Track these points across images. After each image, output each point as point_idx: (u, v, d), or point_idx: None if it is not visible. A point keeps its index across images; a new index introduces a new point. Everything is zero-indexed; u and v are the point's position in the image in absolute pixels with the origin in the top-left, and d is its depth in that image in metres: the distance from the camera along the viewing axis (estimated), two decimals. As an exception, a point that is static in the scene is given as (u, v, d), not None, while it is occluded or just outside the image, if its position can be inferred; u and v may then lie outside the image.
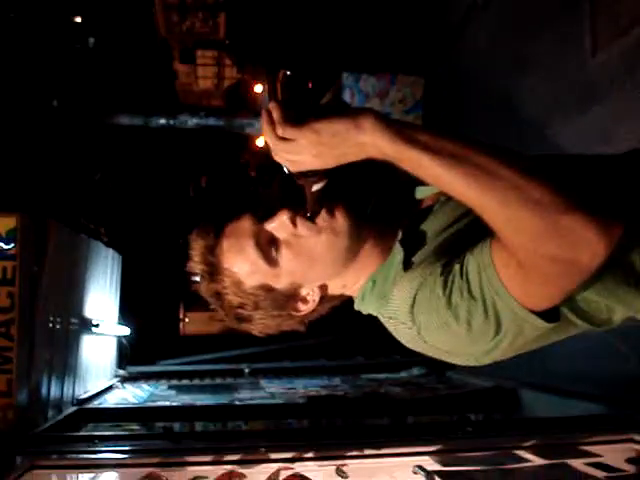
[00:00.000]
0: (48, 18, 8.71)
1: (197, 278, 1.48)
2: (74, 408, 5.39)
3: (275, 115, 1.19)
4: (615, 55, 4.70)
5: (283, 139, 1.19)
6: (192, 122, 8.07)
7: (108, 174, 10.29)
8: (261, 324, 1.50)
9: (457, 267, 1.23)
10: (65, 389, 5.37)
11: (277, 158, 1.24)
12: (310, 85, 1.19)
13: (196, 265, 1.47)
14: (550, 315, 1.19)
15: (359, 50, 8.01)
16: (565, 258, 1.04)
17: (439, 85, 7.83)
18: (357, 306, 1.52)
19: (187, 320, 15.72)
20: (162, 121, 8.11)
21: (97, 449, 3.79)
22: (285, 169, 1.26)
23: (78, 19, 9.83)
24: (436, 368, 6.80)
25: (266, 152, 1.24)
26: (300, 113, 1.17)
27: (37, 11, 8.30)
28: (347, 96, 7.62)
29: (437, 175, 1.11)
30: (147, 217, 10.75)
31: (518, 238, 1.08)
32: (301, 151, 1.19)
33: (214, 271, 1.45)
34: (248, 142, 10.27)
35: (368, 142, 1.14)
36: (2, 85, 7.47)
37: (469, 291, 1.21)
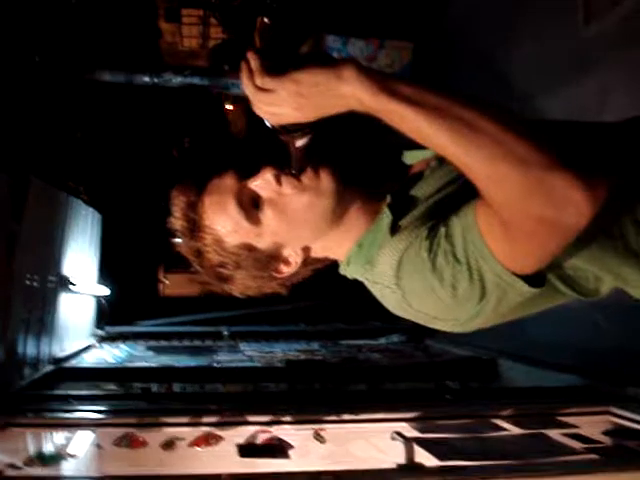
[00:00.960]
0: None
1: (178, 236, 1.44)
2: (51, 367, 5.35)
3: (253, 65, 1.14)
4: (609, 25, 4.66)
5: (262, 90, 1.14)
6: (176, 80, 7.94)
7: (89, 132, 10.17)
8: (242, 284, 1.47)
9: (442, 230, 1.21)
10: (42, 348, 5.32)
11: (257, 110, 1.19)
12: (289, 33, 1.14)
13: (177, 221, 1.43)
14: (535, 280, 1.17)
15: (348, 14, 7.91)
16: (549, 217, 1.02)
17: (428, 51, 7.77)
18: (342, 270, 1.49)
19: (167, 281, 15.70)
20: (145, 79, 7.97)
21: (73, 408, 3.78)
22: (267, 123, 1.21)
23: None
24: (415, 336, 6.82)
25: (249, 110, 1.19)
26: (280, 62, 1.12)
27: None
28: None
29: (419, 128, 1.08)
30: (129, 177, 10.65)
31: (501, 196, 1.05)
32: (281, 102, 1.15)
33: (195, 228, 1.42)
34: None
35: (349, 93, 1.10)
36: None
37: (454, 254, 1.18)
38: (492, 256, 1.14)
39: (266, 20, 1.14)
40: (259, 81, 1.14)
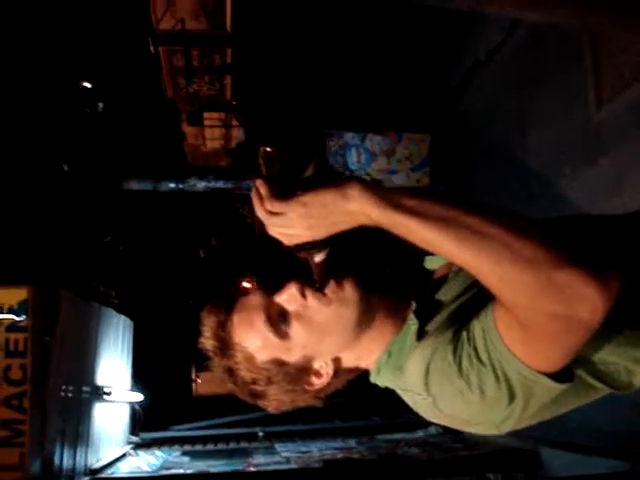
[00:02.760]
0: (58, 83, 8.86)
1: (209, 356, 1.45)
2: (87, 478, 5.31)
3: (262, 191, 1.18)
4: (620, 108, 4.72)
5: (273, 214, 1.18)
6: (201, 185, 8.12)
7: (118, 238, 10.34)
8: (275, 400, 1.46)
9: (464, 334, 1.21)
10: (78, 459, 5.30)
11: (271, 232, 1.23)
12: (292, 157, 1.18)
13: (207, 341, 1.44)
14: (562, 376, 1.16)
15: (365, 110, 8.08)
16: (564, 314, 1.01)
17: (445, 141, 7.87)
18: (373, 379, 1.49)
19: (199, 381, 15.61)
20: (171, 185, 8.16)
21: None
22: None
23: (87, 84, 9.98)
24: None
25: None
26: (287, 187, 1.16)
27: (47, 77, 8.44)
28: (353, 155, 7.67)
29: (427, 238, 1.10)
30: (158, 279, 10.75)
31: (514, 297, 1.06)
32: (292, 224, 1.18)
33: (225, 347, 1.42)
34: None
35: (356, 210, 1.13)
36: (13, 151, 7.56)
37: (477, 357, 1.18)
38: (513, 356, 1.13)
39: (268, 149, 1.18)
40: (269, 206, 1.17)
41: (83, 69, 9.55)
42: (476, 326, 1.20)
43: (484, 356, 1.18)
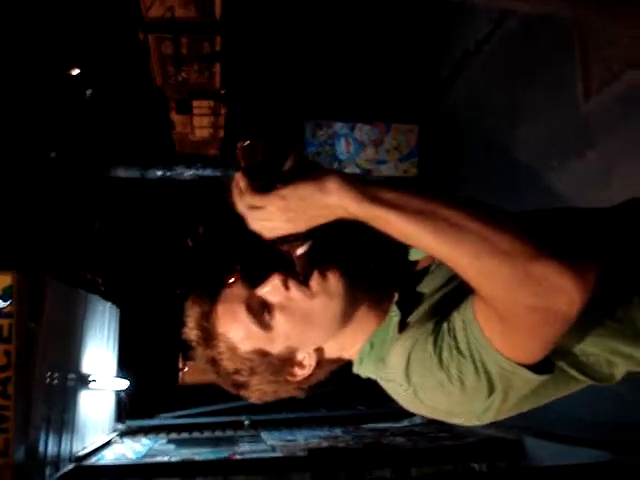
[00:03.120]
0: (45, 70, 8.80)
1: (193, 346, 1.46)
2: (72, 465, 5.31)
3: (242, 184, 1.19)
4: (608, 100, 4.74)
5: (253, 207, 1.19)
6: (189, 173, 8.10)
7: (106, 225, 10.30)
8: (258, 390, 1.47)
9: (445, 325, 1.22)
10: (63, 446, 5.30)
11: (252, 226, 1.23)
12: (271, 150, 1.18)
13: (191, 331, 1.45)
14: (541, 367, 1.17)
15: (354, 100, 8.07)
16: (542, 306, 1.03)
17: (434, 132, 7.88)
18: (356, 370, 1.49)
19: (186, 369, 15.60)
20: (159, 173, 8.14)
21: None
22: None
23: (75, 71, 9.93)
24: (438, 416, 6.71)
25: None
26: (266, 180, 1.17)
27: (34, 63, 8.39)
28: (342, 145, 7.67)
29: (405, 231, 1.11)
30: (145, 267, 10.73)
31: (493, 290, 1.07)
32: (272, 217, 1.19)
33: (209, 337, 1.43)
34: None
35: (335, 204, 1.14)
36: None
37: (457, 348, 1.19)
38: (492, 347, 1.14)
39: (246, 142, 1.18)
40: (249, 199, 1.18)
41: (71, 56, 9.49)
42: (456, 317, 1.22)
43: (464, 347, 1.19)
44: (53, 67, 9.12)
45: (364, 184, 1.15)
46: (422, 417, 6.81)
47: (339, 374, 1.56)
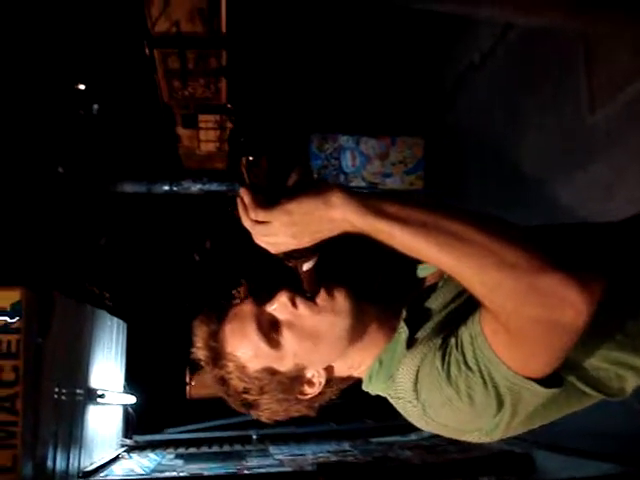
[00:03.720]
0: (52, 86, 8.84)
1: (202, 366, 1.45)
2: (80, 481, 5.31)
3: (246, 200, 1.18)
4: (613, 112, 4.73)
5: (258, 222, 1.19)
6: (195, 188, 8.12)
7: (113, 240, 10.32)
8: (268, 409, 1.46)
9: (453, 340, 1.21)
10: (71, 461, 5.30)
11: (257, 241, 1.23)
12: (273, 163, 1.18)
13: (199, 351, 1.44)
14: (550, 381, 1.17)
15: (359, 114, 8.08)
16: (547, 319, 1.02)
17: (439, 145, 7.89)
18: (365, 387, 1.49)
19: (193, 383, 15.57)
20: (165, 187, 8.16)
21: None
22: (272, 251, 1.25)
23: (82, 86, 9.97)
24: (446, 430, 6.68)
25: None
26: (270, 195, 1.17)
27: (41, 79, 8.43)
28: (348, 158, 7.68)
29: (409, 244, 1.10)
30: (152, 282, 10.73)
31: (498, 302, 1.06)
32: (276, 232, 1.18)
33: (217, 356, 1.42)
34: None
35: (339, 217, 1.14)
36: (7, 153, 7.54)
37: (465, 363, 1.18)
38: (499, 361, 1.13)
39: (251, 158, 1.18)
40: (253, 215, 1.17)
41: (78, 71, 9.54)
42: (464, 332, 1.21)
43: (472, 362, 1.18)
44: (60, 82, 9.16)
45: (367, 197, 1.15)
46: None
47: (347, 388, 1.56)
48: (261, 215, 1.18)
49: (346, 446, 6.68)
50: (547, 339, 1.08)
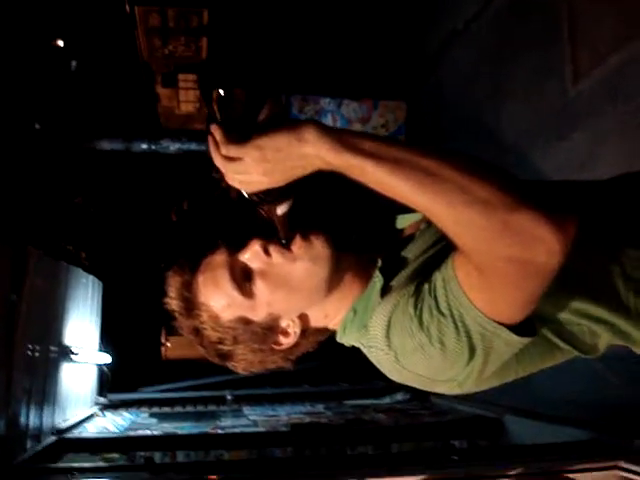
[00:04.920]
0: (30, 41, 8.69)
1: (175, 316, 1.44)
2: (53, 438, 5.29)
3: (217, 136, 1.16)
4: (596, 82, 4.72)
5: (229, 159, 1.16)
6: (174, 147, 8.04)
7: (89, 198, 10.22)
8: (243, 360, 1.46)
9: (426, 286, 1.21)
10: (44, 418, 5.28)
11: (229, 181, 1.21)
12: (245, 97, 1.15)
13: (172, 301, 1.44)
14: (523, 330, 1.16)
15: (341, 76, 8.02)
16: (520, 258, 1.01)
17: (421, 110, 7.86)
18: (339, 338, 1.49)
19: (169, 344, 15.56)
20: (143, 146, 8.06)
21: (76, 482, 3.72)
22: (244, 194, 1.23)
23: (60, 42, 9.81)
24: (420, 394, 6.75)
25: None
26: (242, 131, 1.14)
27: (19, 35, 8.27)
28: (329, 121, 7.63)
29: (382, 181, 1.09)
30: (128, 241, 10.67)
31: (470, 240, 1.06)
32: (248, 170, 1.16)
33: (190, 306, 1.42)
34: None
35: (312, 153, 1.12)
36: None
37: (437, 308, 1.18)
38: (472, 305, 1.13)
39: (221, 91, 1.15)
40: (224, 151, 1.16)
41: (56, 27, 9.37)
42: (437, 277, 1.21)
43: (444, 307, 1.18)
44: (37, 38, 9.00)
45: (341, 133, 1.13)
46: (404, 394, 6.86)
47: (322, 351, 1.55)
48: (232, 151, 1.16)
49: (320, 408, 6.72)
50: (519, 280, 1.07)
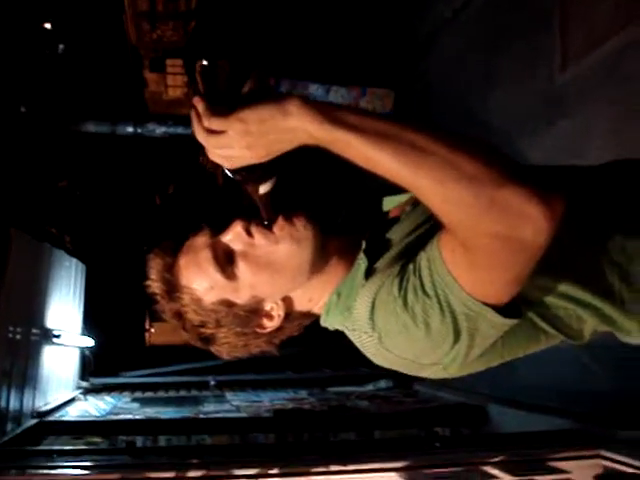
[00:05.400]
0: (17, 24, 8.61)
1: (157, 299, 1.42)
2: (34, 421, 5.27)
3: (200, 108, 1.12)
4: (585, 69, 4.72)
5: (212, 132, 1.12)
6: (160, 131, 7.98)
7: (74, 181, 10.18)
8: (226, 343, 1.44)
9: (411, 266, 1.19)
10: (25, 401, 5.25)
11: (211, 156, 1.18)
12: (229, 69, 1.12)
13: (154, 284, 1.41)
14: (509, 312, 1.14)
15: (330, 62, 8.00)
16: (506, 234, 0.99)
17: (409, 97, 7.85)
18: (323, 321, 1.47)
19: (153, 330, 15.56)
20: (129, 129, 8.01)
21: (57, 464, 3.69)
22: (227, 172, 1.20)
23: (48, 25, 9.74)
24: (404, 381, 6.78)
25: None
26: (225, 103, 1.10)
27: (6, 17, 8.20)
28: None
29: (367, 155, 1.06)
30: (113, 225, 10.64)
31: (456, 217, 1.03)
32: (231, 143, 1.12)
33: (172, 289, 1.39)
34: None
35: (296, 126, 1.09)
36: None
37: (422, 288, 1.16)
38: (457, 285, 1.11)
39: (204, 62, 1.12)
40: (207, 123, 1.11)
41: (44, 10, 9.31)
42: (422, 257, 1.19)
43: (429, 286, 1.16)
44: (25, 21, 8.93)
45: (328, 107, 1.10)
46: (387, 381, 6.87)
47: (305, 336, 1.54)
48: (215, 123, 1.12)
49: (303, 394, 6.73)
50: (505, 257, 1.05)
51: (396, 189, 1.11)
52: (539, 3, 5.34)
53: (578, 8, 4.84)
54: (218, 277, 1.36)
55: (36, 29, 9.42)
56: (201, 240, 1.39)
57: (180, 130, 7.98)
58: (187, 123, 8.96)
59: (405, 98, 7.89)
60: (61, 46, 10.09)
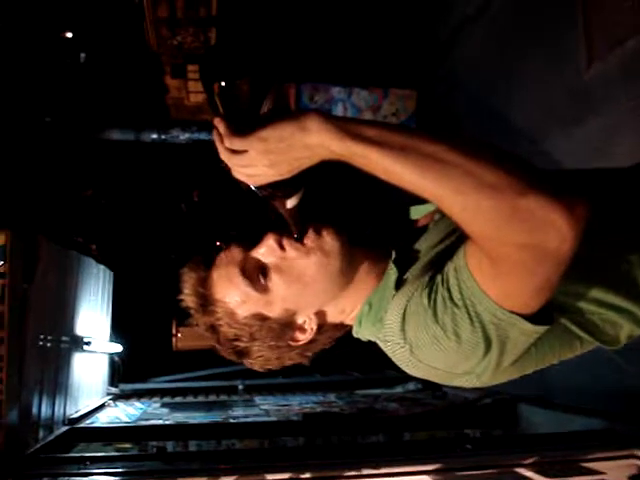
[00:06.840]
0: (39, 34, 8.69)
1: (191, 314, 1.43)
2: (65, 428, 5.32)
3: (221, 129, 1.13)
4: (610, 67, 4.67)
5: (234, 152, 1.14)
6: (184, 137, 8.03)
7: (100, 190, 10.25)
8: (260, 357, 1.44)
9: (439, 277, 1.19)
10: (56, 408, 5.30)
11: (236, 174, 1.18)
12: (247, 89, 1.13)
13: (188, 298, 1.42)
14: (539, 319, 1.14)
15: (352, 65, 7.98)
16: (531, 243, 0.98)
17: (432, 98, 7.81)
18: (355, 332, 1.47)
19: (180, 335, 15.61)
20: (154, 136, 8.06)
21: (89, 471, 3.73)
22: (253, 188, 1.20)
23: (69, 34, 9.81)
24: (432, 383, 6.74)
25: None
26: (245, 123, 1.11)
27: (28, 27, 8.28)
28: (340, 109, 7.59)
29: (388, 168, 1.06)
30: (139, 233, 10.70)
31: (479, 227, 1.02)
32: (253, 162, 1.13)
33: (206, 303, 1.40)
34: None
35: (316, 143, 1.09)
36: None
37: (451, 299, 1.15)
38: (485, 294, 1.11)
39: (222, 84, 1.13)
40: (228, 144, 1.13)
41: (65, 19, 9.37)
42: (450, 267, 1.18)
43: (457, 297, 1.16)
44: (47, 30, 9.00)
45: (345, 121, 1.10)
46: (416, 384, 6.84)
47: (337, 340, 1.54)
48: (236, 143, 1.13)
49: (332, 397, 6.73)
50: (531, 267, 1.04)
51: (422, 199, 1.11)
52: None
53: (601, 4, 4.79)
54: (250, 291, 1.36)
55: (57, 39, 9.48)
56: (233, 254, 1.39)
57: (204, 136, 8.01)
58: (210, 129, 8.98)
59: (428, 99, 7.86)
60: (83, 55, 10.16)
